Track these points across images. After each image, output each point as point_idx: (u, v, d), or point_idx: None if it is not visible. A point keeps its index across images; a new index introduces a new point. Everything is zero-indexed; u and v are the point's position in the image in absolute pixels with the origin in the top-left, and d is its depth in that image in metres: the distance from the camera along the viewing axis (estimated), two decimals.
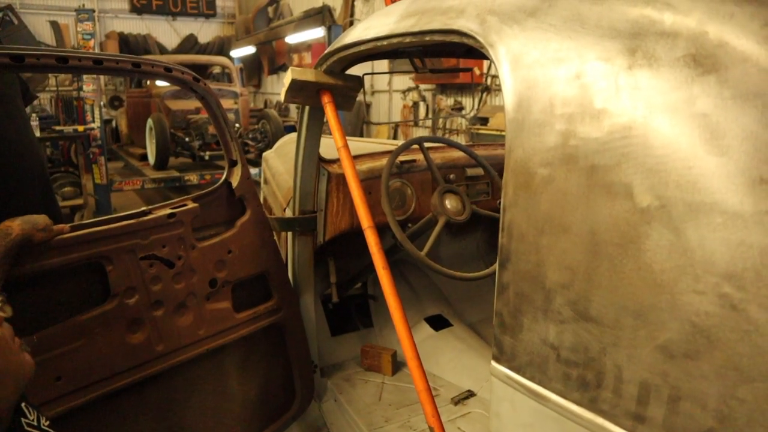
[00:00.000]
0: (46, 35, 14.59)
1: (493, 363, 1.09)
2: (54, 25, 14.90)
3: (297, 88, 1.89)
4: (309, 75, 1.87)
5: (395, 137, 10.50)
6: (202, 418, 2.03)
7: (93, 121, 7.28)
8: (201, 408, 2.02)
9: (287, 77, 1.87)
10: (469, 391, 2.45)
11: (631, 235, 0.82)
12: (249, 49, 15.16)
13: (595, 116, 0.87)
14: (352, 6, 11.85)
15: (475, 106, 8.49)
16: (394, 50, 1.75)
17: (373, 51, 1.60)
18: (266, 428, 2.23)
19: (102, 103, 8.11)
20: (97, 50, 9.33)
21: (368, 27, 1.59)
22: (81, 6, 7.71)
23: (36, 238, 1.49)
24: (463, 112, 8.71)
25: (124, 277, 1.76)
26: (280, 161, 3.21)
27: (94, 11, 12.24)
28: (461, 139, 8.96)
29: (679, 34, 0.82)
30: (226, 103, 9.91)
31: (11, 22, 7.78)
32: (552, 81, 0.94)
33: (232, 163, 2.11)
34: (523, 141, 0.98)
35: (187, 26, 17.76)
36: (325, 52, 1.85)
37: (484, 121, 7.91)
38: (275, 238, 2.28)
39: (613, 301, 0.85)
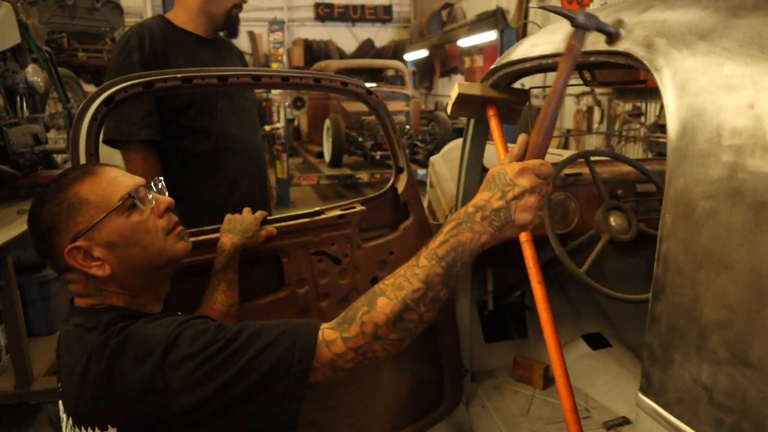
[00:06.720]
0: (244, 44, 16.31)
1: (640, 395, 1.06)
2: (250, 35, 16.67)
3: (463, 102, 1.94)
4: (475, 89, 1.92)
5: (566, 145, 10.11)
6: (355, 402, 2.17)
7: (278, 122, 8.02)
8: (356, 393, 2.16)
9: (454, 91, 1.93)
10: (623, 417, 2.33)
11: None
12: (422, 53, 15.58)
13: None
14: (526, 9, 11.59)
15: (656, 112, 7.87)
16: None
17: (538, 68, 1.62)
18: (414, 423, 2.33)
19: (286, 104, 8.84)
20: (285, 57, 10.19)
21: (535, 44, 1.60)
22: (274, 18, 8.49)
23: (249, 245, 1.76)
24: (642, 119, 8.12)
25: (297, 269, 1.95)
26: (446, 167, 3.28)
27: (284, 22, 13.43)
28: (638, 148, 8.39)
29: None
30: (398, 106, 10.26)
31: None
32: (721, 109, 0.89)
33: (399, 170, 2.23)
34: (686, 170, 0.94)
35: (364, 31, 18.71)
36: (492, 66, 1.89)
37: (665, 128, 7.32)
38: None
39: None
